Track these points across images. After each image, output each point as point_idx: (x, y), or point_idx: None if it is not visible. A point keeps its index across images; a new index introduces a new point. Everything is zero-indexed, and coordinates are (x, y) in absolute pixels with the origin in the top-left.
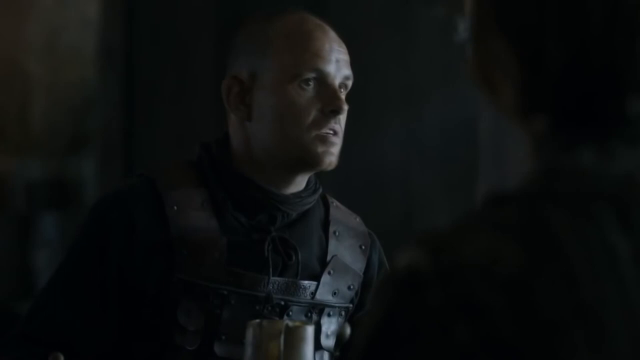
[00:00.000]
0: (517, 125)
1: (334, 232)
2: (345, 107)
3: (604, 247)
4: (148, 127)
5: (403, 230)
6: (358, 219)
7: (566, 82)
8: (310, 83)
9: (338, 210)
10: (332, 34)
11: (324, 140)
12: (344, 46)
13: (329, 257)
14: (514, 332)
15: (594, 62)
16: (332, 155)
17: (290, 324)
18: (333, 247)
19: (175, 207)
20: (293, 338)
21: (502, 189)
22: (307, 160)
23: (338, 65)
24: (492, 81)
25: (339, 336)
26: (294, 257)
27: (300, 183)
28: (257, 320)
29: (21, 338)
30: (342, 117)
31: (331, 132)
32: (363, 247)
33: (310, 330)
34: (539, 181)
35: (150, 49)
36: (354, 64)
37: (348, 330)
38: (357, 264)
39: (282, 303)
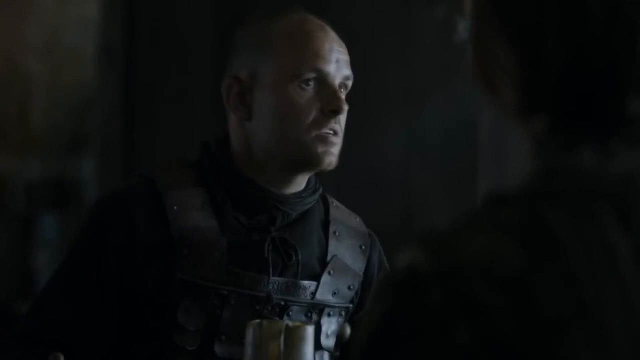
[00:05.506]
0: (517, 125)
1: (334, 232)
2: (345, 107)
3: (604, 247)
4: (148, 127)
5: (403, 230)
6: (358, 219)
7: (566, 82)
8: (310, 83)
9: (338, 210)
10: (332, 34)
11: (324, 140)
12: (344, 46)
13: (329, 257)
14: (514, 332)
15: (593, 62)
16: (332, 155)
17: (290, 324)
18: (333, 247)
19: (176, 207)
20: (293, 338)
21: (502, 189)
22: (307, 160)
23: (338, 65)
24: (492, 81)
25: (339, 336)
26: (294, 257)
27: (300, 183)
28: (257, 320)
29: (21, 338)
30: (342, 117)
31: (331, 132)
32: (363, 247)
33: (310, 330)
34: (539, 181)
35: (150, 49)
36: (354, 64)
37: (348, 330)
38: (357, 264)
39: (282, 303)
